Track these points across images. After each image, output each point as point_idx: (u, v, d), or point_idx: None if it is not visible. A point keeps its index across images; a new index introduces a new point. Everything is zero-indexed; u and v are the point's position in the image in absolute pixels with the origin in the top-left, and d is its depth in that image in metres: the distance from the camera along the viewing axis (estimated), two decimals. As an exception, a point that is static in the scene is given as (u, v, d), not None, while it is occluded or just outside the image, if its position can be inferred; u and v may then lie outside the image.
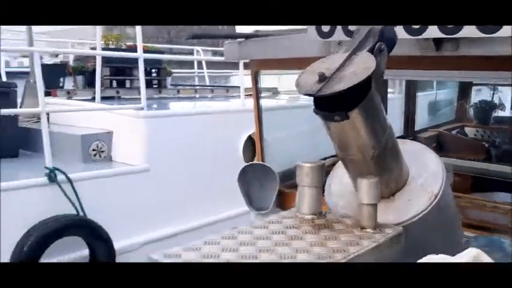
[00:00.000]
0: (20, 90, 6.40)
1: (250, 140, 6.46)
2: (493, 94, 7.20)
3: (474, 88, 7.26)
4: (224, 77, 14.07)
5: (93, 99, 7.39)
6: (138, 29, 5.77)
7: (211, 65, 11.54)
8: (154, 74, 8.88)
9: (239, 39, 3.52)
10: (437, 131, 6.02)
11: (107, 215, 4.72)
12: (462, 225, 2.20)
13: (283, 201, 3.51)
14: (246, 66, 7.19)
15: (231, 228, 1.68)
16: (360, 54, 1.53)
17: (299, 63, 2.13)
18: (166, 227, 5.43)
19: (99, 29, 7.08)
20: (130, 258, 4.94)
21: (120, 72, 8.19)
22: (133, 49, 7.94)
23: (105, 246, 4.60)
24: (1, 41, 9.14)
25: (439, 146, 5.59)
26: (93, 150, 5.50)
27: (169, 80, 9.50)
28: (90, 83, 8.17)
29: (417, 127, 5.83)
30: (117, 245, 4.76)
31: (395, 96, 6.41)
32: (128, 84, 8.36)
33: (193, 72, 11.76)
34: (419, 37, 2.20)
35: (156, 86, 8.88)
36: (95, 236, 4.55)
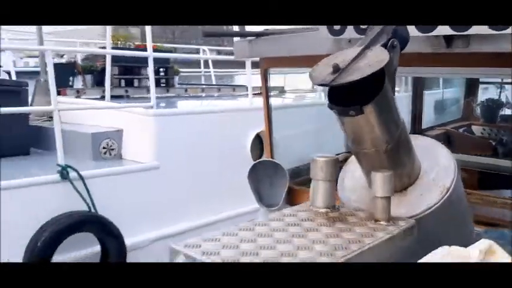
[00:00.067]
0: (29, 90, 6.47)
1: (257, 138, 6.51)
2: (500, 92, 7.20)
3: (481, 86, 7.25)
4: (229, 76, 14.15)
5: (101, 98, 7.47)
6: (148, 28, 5.82)
7: (216, 64, 11.61)
8: (162, 73, 8.95)
9: (249, 38, 3.56)
10: (445, 129, 6.02)
11: (118, 212, 4.78)
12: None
13: (293, 198, 3.55)
14: (254, 65, 7.25)
15: (248, 221, 1.73)
16: (374, 49, 1.56)
17: (309, 61, 2.16)
18: (176, 223, 5.48)
19: (109, 29, 7.16)
20: (140, 254, 5.00)
21: (128, 72, 8.28)
22: (142, 49, 8.03)
23: (116, 242, 4.65)
24: (8, 41, 9.24)
25: (447, 144, 5.59)
26: (104, 148, 5.56)
27: (176, 79, 9.57)
28: (98, 82, 8.27)
29: (424, 125, 5.85)
30: (128, 241, 4.82)
31: (401, 95, 6.43)
32: (136, 83, 8.44)
33: (200, 72, 11.82)
34: (430, 34, 2.24)
35: (164, 85, 8.96)
36: (106, 232, 4.60)
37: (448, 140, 5.71)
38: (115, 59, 7.40)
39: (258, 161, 3.83)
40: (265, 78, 3.88)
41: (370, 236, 1.56)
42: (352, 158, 1.98)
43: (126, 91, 8.10)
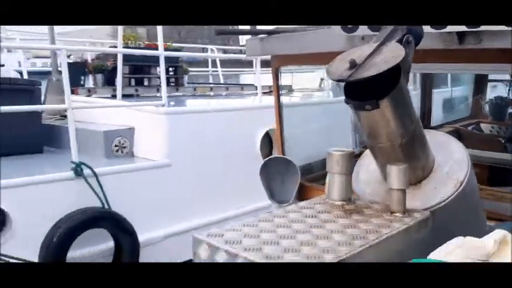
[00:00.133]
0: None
1: (267, 136, 6.57)
2: (509, 90, 7.16)
3: (489, 84, 7.22)
4: (235, 76, 14.22)
5: (112, 97, 7.55)
6: (159, 28, 5.88)
7: (222, 64, 11.70)
8: (171, 73, 9.03)
9: (261, 35, 3.60)
10: (454, 126, 6.02)
11: (131, 209, 4.85)
12: None
13: (304, 195, 3.58)
14: (262, 64, 7.30)
15: (266, 212, 1.77)
16: (389, 45, 1.60)
17: (322, 58, 2.19)
18: (188, 220, 5.54)
19: (120, 29, 7.24)
20: (153, 250, 5.06)
21: (139, 71, 8.36)
22: (152, 48, 8.10)
23: (129, 238, 4.72)
24: (19, 41, 9.33)
25: None
26: (116, 146, 5.63)
27: (186, 78, 9.65)
28: (109, 81, 8.37)
29: (433, 124, 5.85)
30: (141, 237, 4.89)
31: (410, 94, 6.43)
32: (146, 83, 8.52)
33: (208, 71, 11.90)
34: (442, 31, 2.27)
35: (174, 84, 9.03)
36: (120, 228, 4.67)
37: (457, 138, 5.71)
38: (125, 58, 7.48)
39: (269, 157, 3.87)
40: (276, 76, 3.91)
41: (387, 226, 1.60)
42: (367, 152, 2.02)
43: (136, 90, 8.18)
